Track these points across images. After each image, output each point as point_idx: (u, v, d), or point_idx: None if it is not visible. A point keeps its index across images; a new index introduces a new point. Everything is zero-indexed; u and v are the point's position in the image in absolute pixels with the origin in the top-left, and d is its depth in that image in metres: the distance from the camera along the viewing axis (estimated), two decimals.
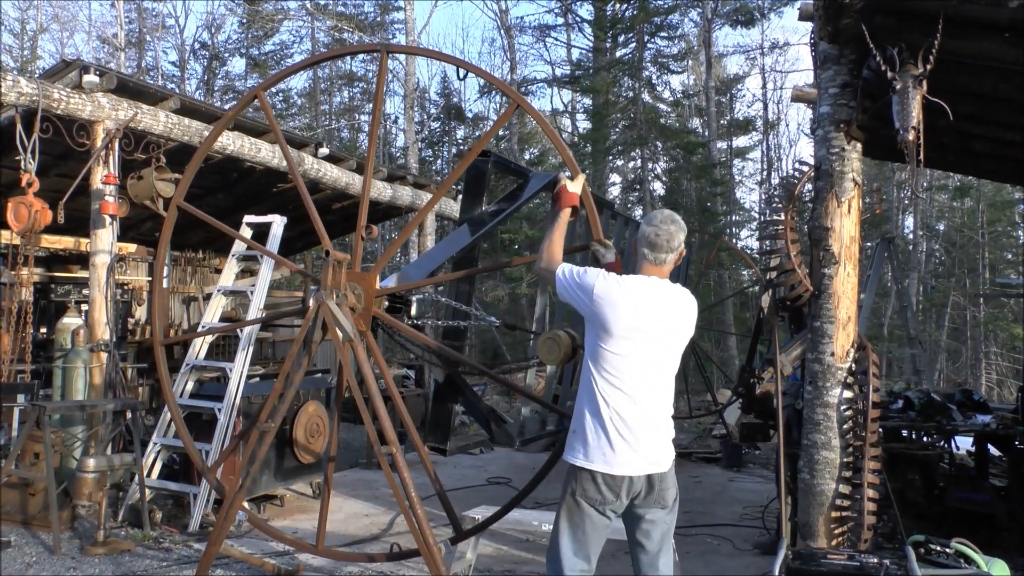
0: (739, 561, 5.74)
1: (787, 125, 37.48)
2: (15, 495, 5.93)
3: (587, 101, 27.34)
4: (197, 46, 30.58)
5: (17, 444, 5.98)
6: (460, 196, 8.45)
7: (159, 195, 6.85)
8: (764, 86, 28.91)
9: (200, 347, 6.88)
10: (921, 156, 3.74)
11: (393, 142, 29.89)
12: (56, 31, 30.88)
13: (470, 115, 30.18)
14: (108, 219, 6.97)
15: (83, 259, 8.65)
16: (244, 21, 29.34)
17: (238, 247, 7.16)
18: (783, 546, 3.77)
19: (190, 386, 6.71)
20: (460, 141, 30.18)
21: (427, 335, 5.54)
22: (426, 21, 37.95)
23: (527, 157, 28.28)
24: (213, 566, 4.79)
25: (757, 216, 28.03)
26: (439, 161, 30.36)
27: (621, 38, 25.50)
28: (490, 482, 8.33)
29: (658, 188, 27.78)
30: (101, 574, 5.06)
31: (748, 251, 24.27)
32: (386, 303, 4.76)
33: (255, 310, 6.80)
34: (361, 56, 30.02)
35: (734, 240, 26.44)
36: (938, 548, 3.84)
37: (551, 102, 37.56)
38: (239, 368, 6.46)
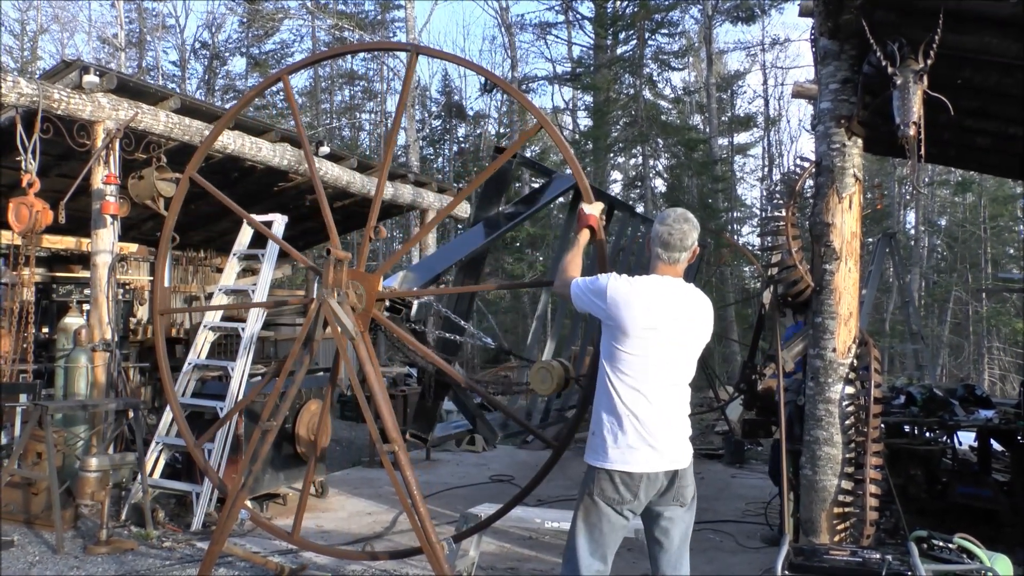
0: (742, 557, 5.74)
1: (788, 121, 37.67)
2: (18, 495, 5.94)
3: (588, 98, 27.32)
4: (197, 46, 30.61)
5: (20, 444, 5.99)
6: (459, 191, 8.41)
7: (160, 195, 6.86)
8: (765, 82, 29.01)
9: (202, 346, 6.88)
10: (922, 151, 3.72)
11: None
12: (56, 31, 30.93)
13: (471, 113, 30.21)
14: (109, 219, 6.97)
15: (84, 259, 8.66)
16: (244, 20, 29.27)
17: (239, 246, 7.16)
18: (785, 542, 3.77)
19: (192, 385, 6.72)
20: (461, 139, 30.20)
21: (427, 340, 5.52)
22: (427, 19, 37.92)
23: (527, 155, 28.23)
24: (216, 565, 4.79)
25: (758, 212, 28.04)
26: (440, 159, 30.38)
27: (622, 35, 25.45)
28: (493, 480, 8.32)
29: (659, 185, 27.78)
30: (104, 573, 5.06)
31: (750, 247, 24.25)
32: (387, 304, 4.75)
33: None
34: (362, 55, 30.09)
35: (736, 237, 26.42)
36: (941, 544, 3.84)
37: (552, 99, 37.62)
38: (240, 368, 6.46)
